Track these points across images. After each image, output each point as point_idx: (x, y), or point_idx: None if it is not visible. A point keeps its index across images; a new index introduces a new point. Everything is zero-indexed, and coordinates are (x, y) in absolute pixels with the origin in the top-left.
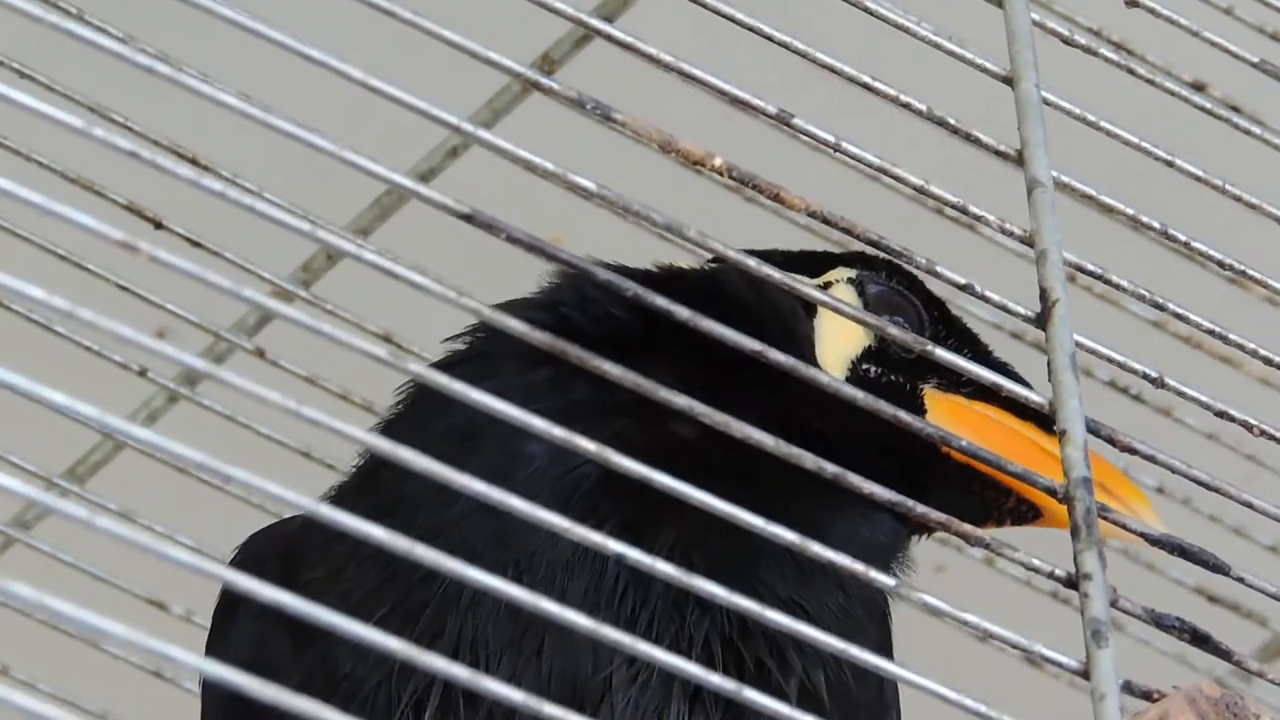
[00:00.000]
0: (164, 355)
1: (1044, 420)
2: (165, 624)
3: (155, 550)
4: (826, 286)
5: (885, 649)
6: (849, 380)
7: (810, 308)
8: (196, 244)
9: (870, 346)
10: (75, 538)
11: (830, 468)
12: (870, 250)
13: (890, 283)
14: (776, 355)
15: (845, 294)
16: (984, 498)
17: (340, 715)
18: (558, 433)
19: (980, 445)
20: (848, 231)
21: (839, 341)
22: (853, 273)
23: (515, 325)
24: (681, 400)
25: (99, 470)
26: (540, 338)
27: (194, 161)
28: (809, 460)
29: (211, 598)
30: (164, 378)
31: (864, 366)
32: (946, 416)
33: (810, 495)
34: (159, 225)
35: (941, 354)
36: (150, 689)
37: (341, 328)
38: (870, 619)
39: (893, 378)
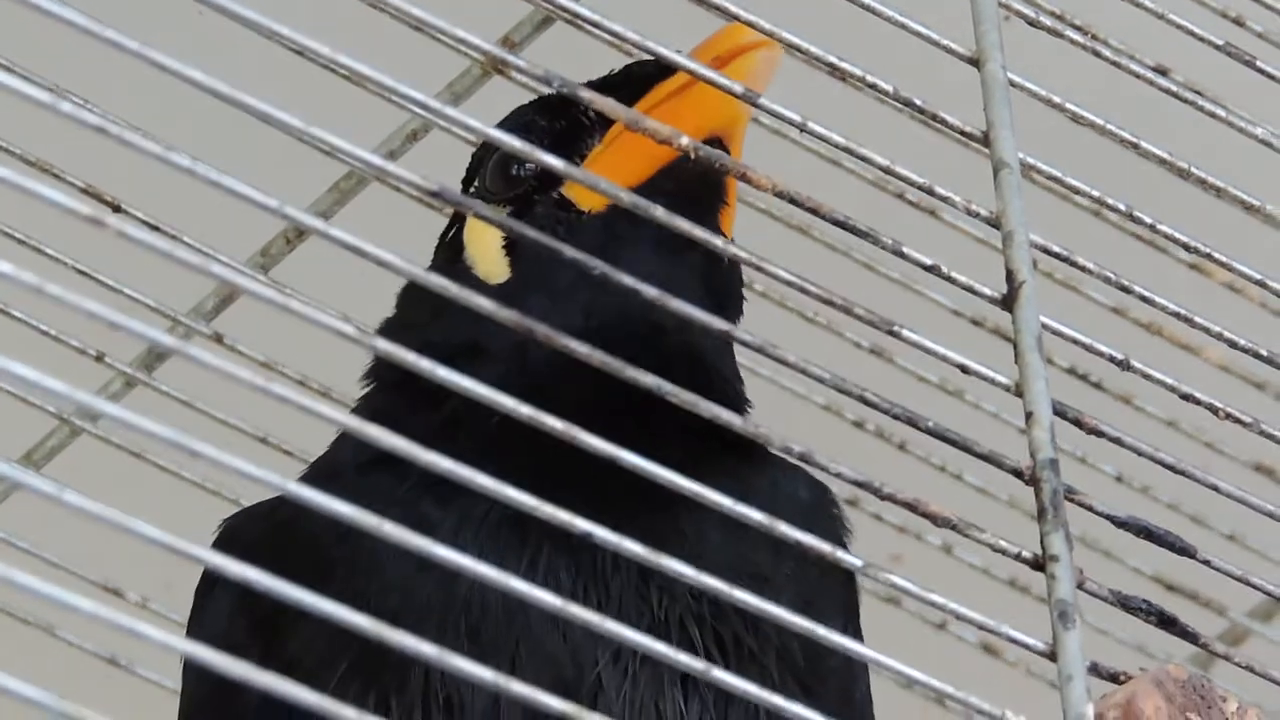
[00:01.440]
0: (131, 330)
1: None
2: (121, 611)
3: (126, 526)
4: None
5: (852, 610)
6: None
7: (455, 246)
8: (155, 228)
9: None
10: (27, 524)
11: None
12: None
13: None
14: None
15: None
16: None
17: (314, 694)
18: (524, 410)
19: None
20: (814, 211)
21: (483, 250)
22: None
23: (481, 302)
24: (649, 379)
25: (54, 456)
26: (507, 315)
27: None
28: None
29: (166, 585)
30: (121, 362)
31: (506, 243)
32: (613, 168)
33: (723, 449)
34: (117, 209)
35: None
36: (106, 676)
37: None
38: (829, 578)
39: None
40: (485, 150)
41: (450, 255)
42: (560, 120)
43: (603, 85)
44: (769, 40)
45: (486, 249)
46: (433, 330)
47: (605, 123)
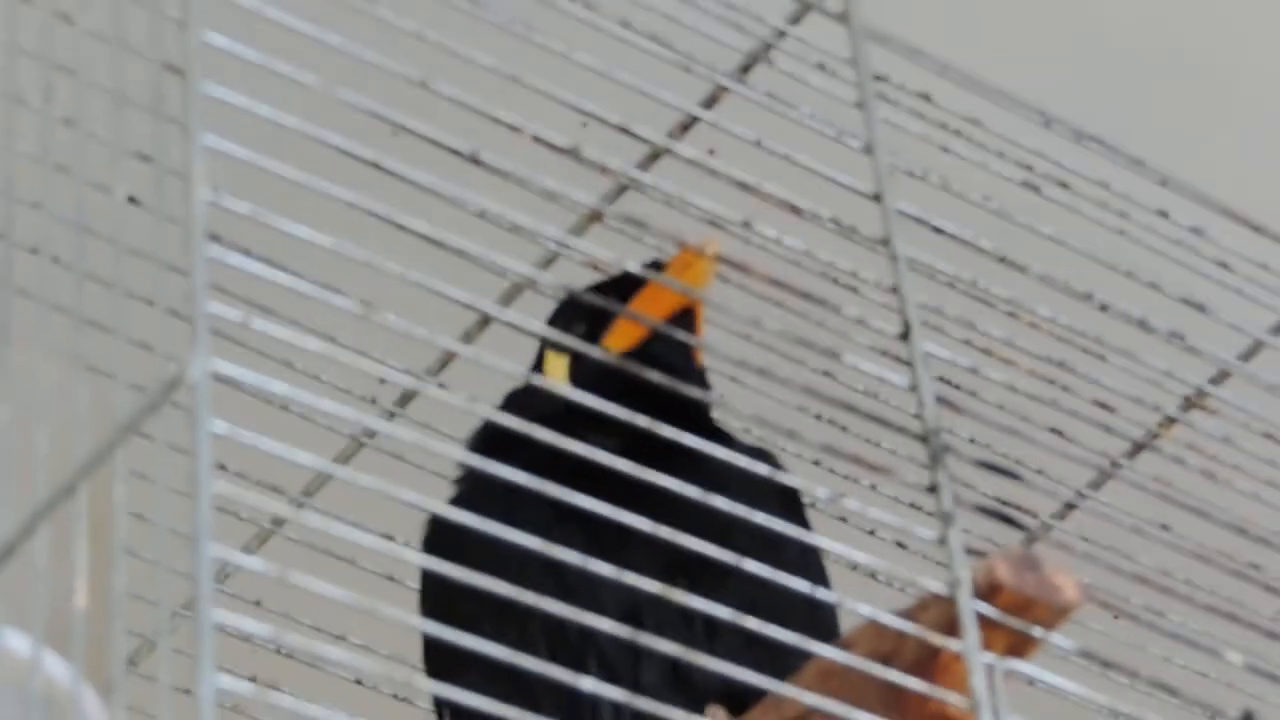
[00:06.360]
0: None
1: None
2: None
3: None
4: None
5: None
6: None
7: (539, 369)
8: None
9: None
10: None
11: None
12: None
13: (562, 322)
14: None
15: (549, 354)
16: None
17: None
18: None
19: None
20: (746, 269)
21: (557, 372)
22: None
23: (560, 389)
24: (643, 420)
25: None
26: (571, 393)
27: None
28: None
29: None
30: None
31: (573, 370)
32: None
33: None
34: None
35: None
36: None
37: None
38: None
39: (586, 362)
40: (560, 312)
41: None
42: (588, 309)
43: (607, 285)
44: (710, 254)
45: (559, 372)
46: (526, 407)
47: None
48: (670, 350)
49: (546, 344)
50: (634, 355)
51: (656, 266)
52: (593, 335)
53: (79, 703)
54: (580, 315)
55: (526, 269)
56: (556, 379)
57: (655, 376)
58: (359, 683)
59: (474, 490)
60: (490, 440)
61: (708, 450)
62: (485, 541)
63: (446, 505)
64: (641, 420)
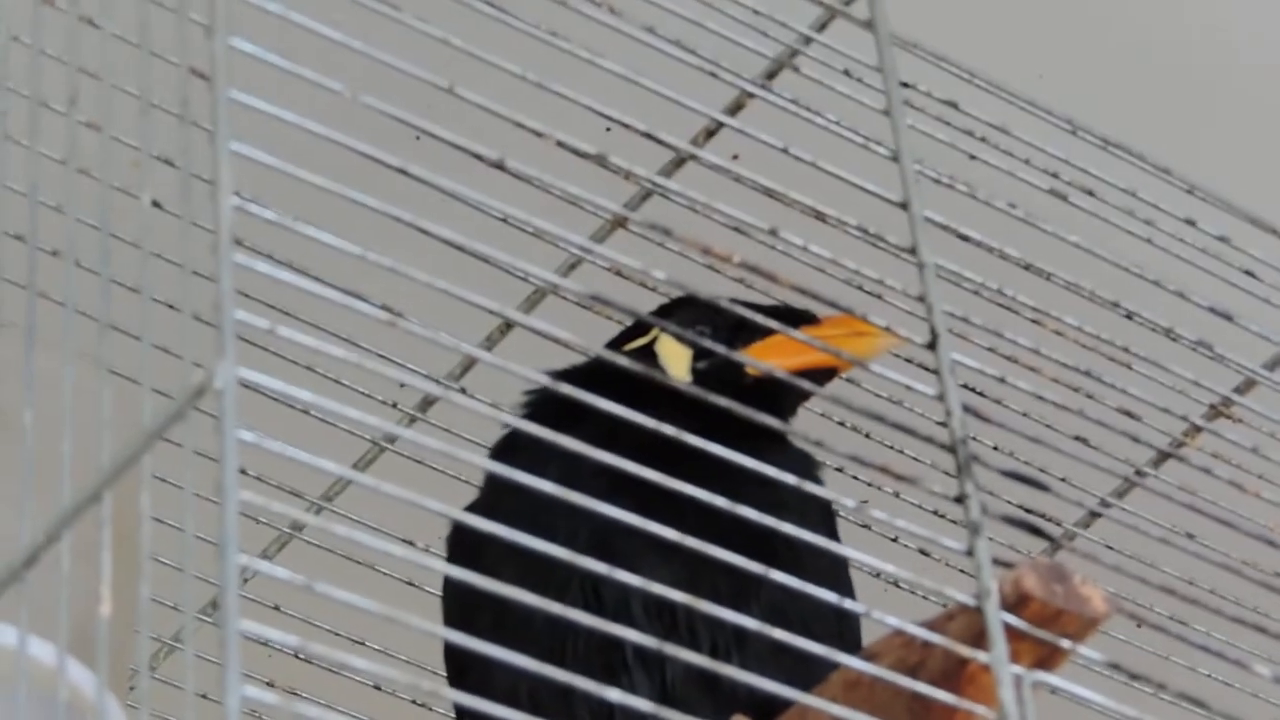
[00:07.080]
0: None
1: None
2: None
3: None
4: (655, 339)
5: (834, 530)
6: (692, 377)
7: (650, 352)
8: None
9: (693, 360)
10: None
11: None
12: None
13: (685, 318)
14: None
15: (666, 340)
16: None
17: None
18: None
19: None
20: (773, 278)
21: (676, 361)
22: (658, 328)
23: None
24: (670, 429)
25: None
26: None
27: None
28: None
29: None
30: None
31: (696, 365)
32: (763, 351)
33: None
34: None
35: (707, 343)
36: None
37: None
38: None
39: (714, 362)
40: (683, 307)
41: (644, 357)
42: (731, 317)
43: (766, 309)
44: (886, 334)
45: (678, 362)
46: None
47: (759, 331)
48: (791, 395)
49: (643, 329)
50: (759, 383)
51: (805, 318)
52: (720, 343)
53: (102, 710)
54: (707, 318)
55: (550, 275)
56: (677, 369)
57: (741, 410)
58: (378, 688)
59: (531, 464)
60: (550, 415)
61: (759, 467)
62: (526, 516)
63: (471, 511)
64: (668, 429)
